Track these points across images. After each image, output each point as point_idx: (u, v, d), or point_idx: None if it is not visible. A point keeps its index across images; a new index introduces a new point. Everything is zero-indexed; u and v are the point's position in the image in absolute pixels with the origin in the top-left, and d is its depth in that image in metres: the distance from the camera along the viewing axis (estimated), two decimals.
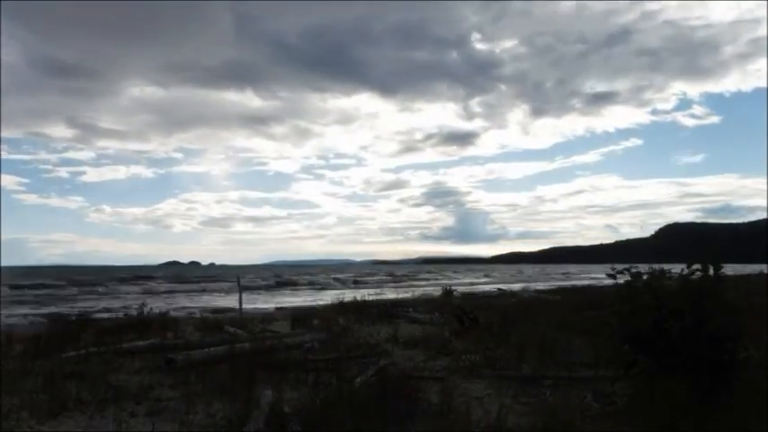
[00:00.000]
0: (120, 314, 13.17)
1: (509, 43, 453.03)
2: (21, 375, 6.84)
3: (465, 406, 5.65)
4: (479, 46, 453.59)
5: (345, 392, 5.76)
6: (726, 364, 5.06)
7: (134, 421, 5.36)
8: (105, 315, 14.60)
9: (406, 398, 5.67)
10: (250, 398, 5.48)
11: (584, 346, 8.31)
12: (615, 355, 5.81)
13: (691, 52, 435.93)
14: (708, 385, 4.99)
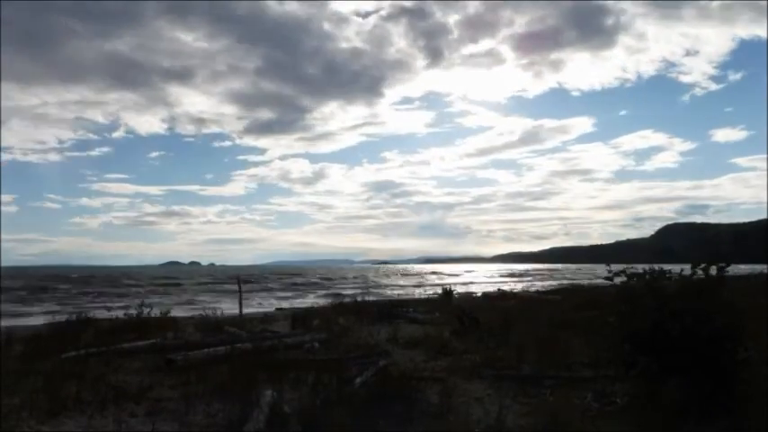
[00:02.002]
0: (121, 314, 13.18)
1: None
2: (21, 375, 6.84)
3: (465, 406, 5.66)
4: None
5: (345, 393, 5.77)
6: (726, 365, 5.06)
7: (134, 421, 5.35)
8: (105, 315, 14.60)
9: (406, 398, 5.67)
10: (250, 398, 5.47)
11: (584, 346, 8.31)
12: (615, 355, 5.81)
13: None
14: (708, 385, 4.99)
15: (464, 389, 6.49)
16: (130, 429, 5.12)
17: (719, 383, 5.00)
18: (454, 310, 13.63)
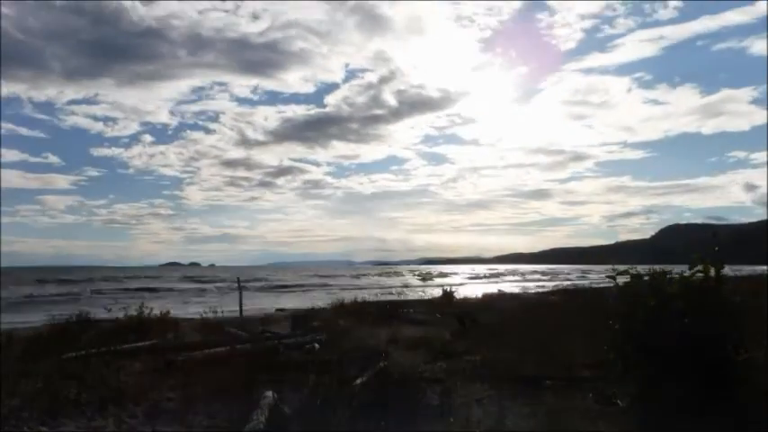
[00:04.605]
0: (121, 315, 13.20)
1: None
2: (21, 376, 6.84)
3: (466, 407, 5.65)
4: None
5: (346, 394, 5.76)
6: (726, 365, 5.06)
7: (134, 422, 5.36)
8: (105, 316, 14.61)
9: (406, 399, 5.66)
10: (250, 399, 5.47)
11: (584, 346, 8.29)
12: (616, 355, 5.80)
13: None
14: (708, 386, 4.98)
15: (464, 390, 6.48)
16: (130, 430, 5.12)
17: (720, 384, 5.00)
18: (454, 311, 13.63)
